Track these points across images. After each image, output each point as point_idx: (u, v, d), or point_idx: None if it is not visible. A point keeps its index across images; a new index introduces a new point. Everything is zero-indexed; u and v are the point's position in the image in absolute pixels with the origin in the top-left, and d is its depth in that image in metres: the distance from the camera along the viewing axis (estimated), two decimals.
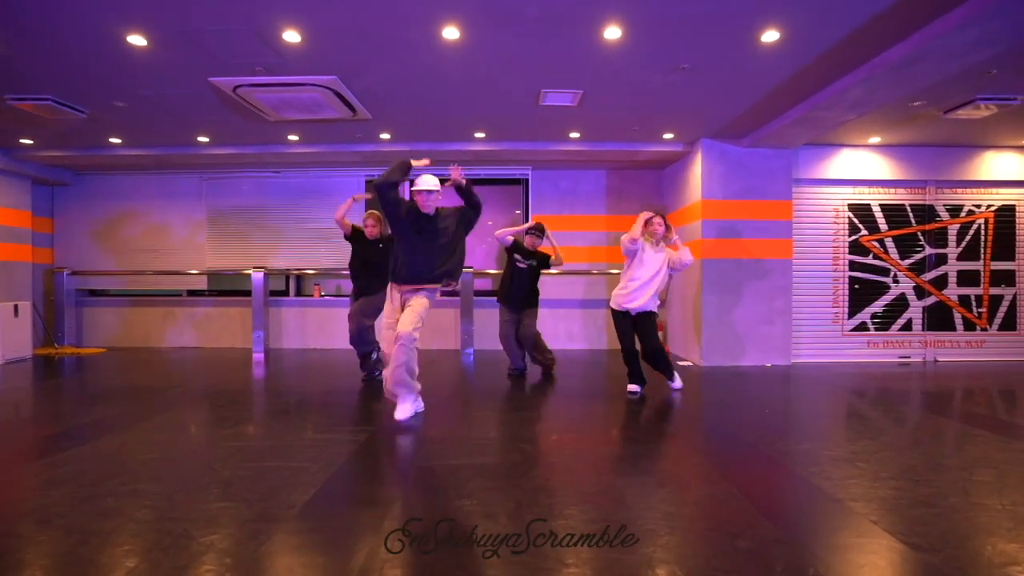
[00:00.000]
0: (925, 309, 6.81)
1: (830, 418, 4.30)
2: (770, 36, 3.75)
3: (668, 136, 6.31)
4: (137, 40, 3.75)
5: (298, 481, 2.68)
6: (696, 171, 6.52)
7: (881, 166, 6.70)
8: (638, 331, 4.74)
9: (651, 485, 2.72)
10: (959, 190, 6.82)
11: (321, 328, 7.83)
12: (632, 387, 4.76)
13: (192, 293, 8.11)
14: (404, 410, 3.78)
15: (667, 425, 3.95)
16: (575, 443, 3.44)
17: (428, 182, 3.80)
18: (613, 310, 4.79)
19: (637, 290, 4.64)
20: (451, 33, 3.71)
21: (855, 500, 2.47)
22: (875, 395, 5.00)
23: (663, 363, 4.78)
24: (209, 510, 2.33)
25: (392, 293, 3.96)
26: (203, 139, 6.43)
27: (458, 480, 2.70)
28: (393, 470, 3.06)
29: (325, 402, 4.56)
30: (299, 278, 8.31)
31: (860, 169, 6.69)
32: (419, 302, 3.82)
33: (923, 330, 6.81)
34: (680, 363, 6.52)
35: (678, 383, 4.82)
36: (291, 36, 3.74)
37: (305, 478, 2.72)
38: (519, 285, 5.43)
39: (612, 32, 3.69)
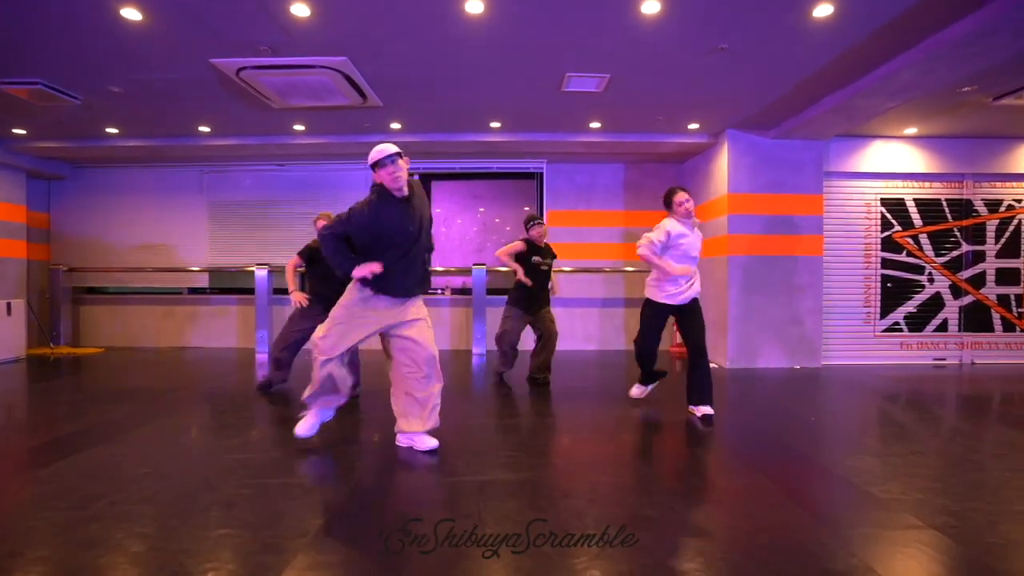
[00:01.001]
0: (961, 309, 6.48)
1: (874, 426, 3.99)
2: (823, 10, 3.42)
3: (693, 127, 5.99)
4: (131, 14, 3.44)
5: (309, 501, 2.37)
6: (722, 164, 6.20)
7: (916, 159, 6.37)
8: (684, 327, 3.96)
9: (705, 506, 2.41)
10: (998, 184, 6.48)
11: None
12: (644, 388, 4.33)
13: (193, 291, 7.81)
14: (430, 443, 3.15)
15: (697, 434, 3.63)
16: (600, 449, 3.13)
17: (389, 147, 2.88)
18: (654, 302, 3.95)
19: (690, 280, 3.89)
20: (475, 7, 3.39)
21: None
22: (913, 401, 4.68)
23: (707, 377, 3.90)
24: (208, 538, 2.02)
25: (363, 310, 3.00)
26: (204, 129, 6.13)
27: (492, 497, 2.40)
28: (417, 486, 2.74)
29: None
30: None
31: (894, 162, 6.36)
32: (426, 315, 3.14)
33: (959, 331, 6.48)
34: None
35: (708, 409, 3.88)
36: (300, 9, 3.43)
37: (316, 497, 2.41)
38: (540, 286, 5.06)
39: (650, 6, 3.37)
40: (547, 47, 4.01)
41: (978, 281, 6.48)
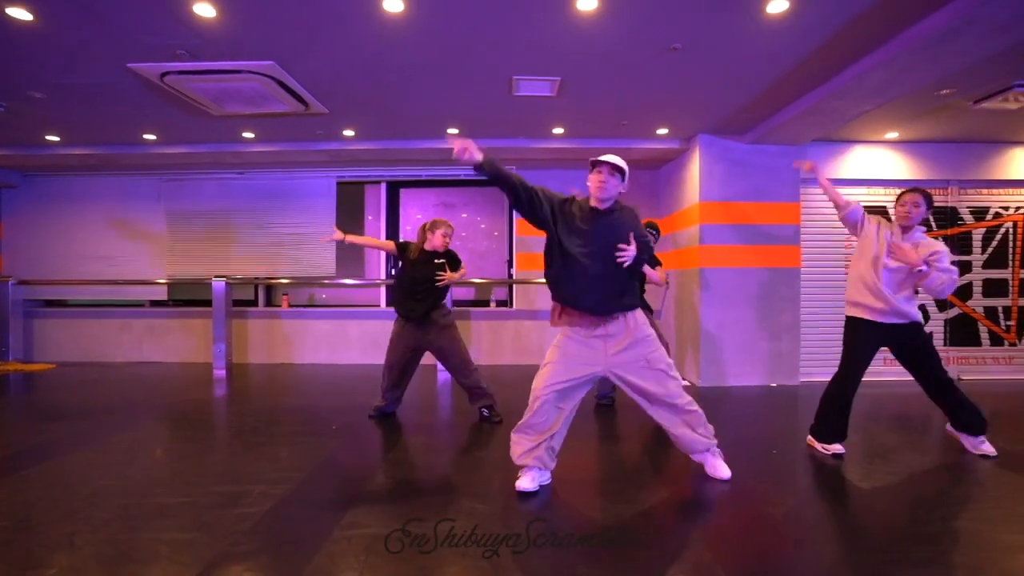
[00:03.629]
0: (947, 322, 6.16)
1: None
2: (777, 6, 3.13)
3: (662, 132, 5.69)
4: (19, 13, 3.15)
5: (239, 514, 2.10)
6: (694, 170, 5.90)
7: (898, 165, 6.06)
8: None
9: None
10: (985, 191, 6.17)
11: (289, 342, 7.23)
12: (837, 447, 3.49)
13: (155, 304, 7.52)
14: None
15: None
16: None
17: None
18: (859, 319, 3.43)
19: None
20: (394, 5, 3.10)
21: None
22: (897, 422, 4.37)
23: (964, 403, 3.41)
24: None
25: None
26: (149, 137, 5.84)
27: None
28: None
29: (256, 439, 3.94)
30: (269, 288, 7.71)
31: (875, 168, 6.05)
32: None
33: (945, 345, 6.16)
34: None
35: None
36: (204, 9, 3.13)
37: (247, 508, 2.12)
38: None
39: (586, 2, 3.07)
40: (485, 49, 3.72)
41: (964, 293, 6.16)
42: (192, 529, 2.32)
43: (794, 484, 3.01)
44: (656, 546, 2.10)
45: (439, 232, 4.15)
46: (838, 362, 3.59)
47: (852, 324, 3.50)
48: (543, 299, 7.06)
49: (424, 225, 4.24)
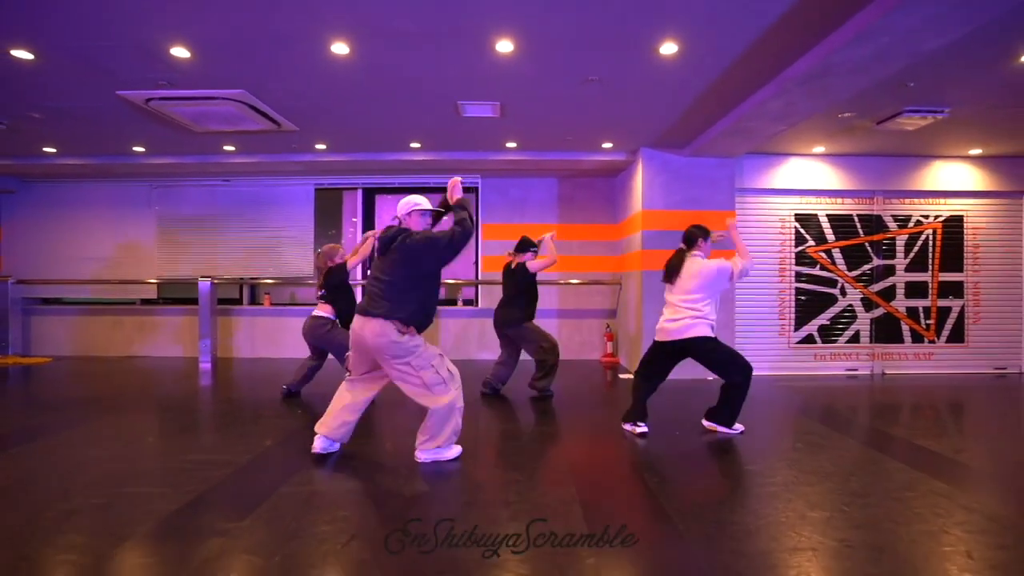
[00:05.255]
0: (873, 321, 6.72)
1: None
2: (668, 48, 3.67)
3: (607, 145, 6.23)
4: (23, 54, 3.68)
5: (151, 508, 2.61)
6: (637, 180, 6.44)
7: (828, 176, 6.61)
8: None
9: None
10: (907, 200, 6.73)
11: (270, 337, 7.76)
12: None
13: (145, 302, 8.05)
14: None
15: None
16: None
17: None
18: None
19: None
20: (340, 48, 3.63)
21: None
22: (820, 411, 4.92)
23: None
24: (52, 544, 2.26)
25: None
26: (139, 149, 6.37)
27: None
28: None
29: (240, 416, 4.48)
30: (253, 287, 8.25)
31: (806, 179, 6.60)
32: None
33: (871, 342, 6.72)
34: (623, 376, 6.45)
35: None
36: (179, 52, 3.67)
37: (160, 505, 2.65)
38: None
39: (504, 46, 3.61)
40: (429, 81, 4.26)
41: (888, 294, 6.72)
42: (163, 486, 2.86)
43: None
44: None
45: (337, 256, 4.88)
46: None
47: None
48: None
49: (322, 252, 4.96)
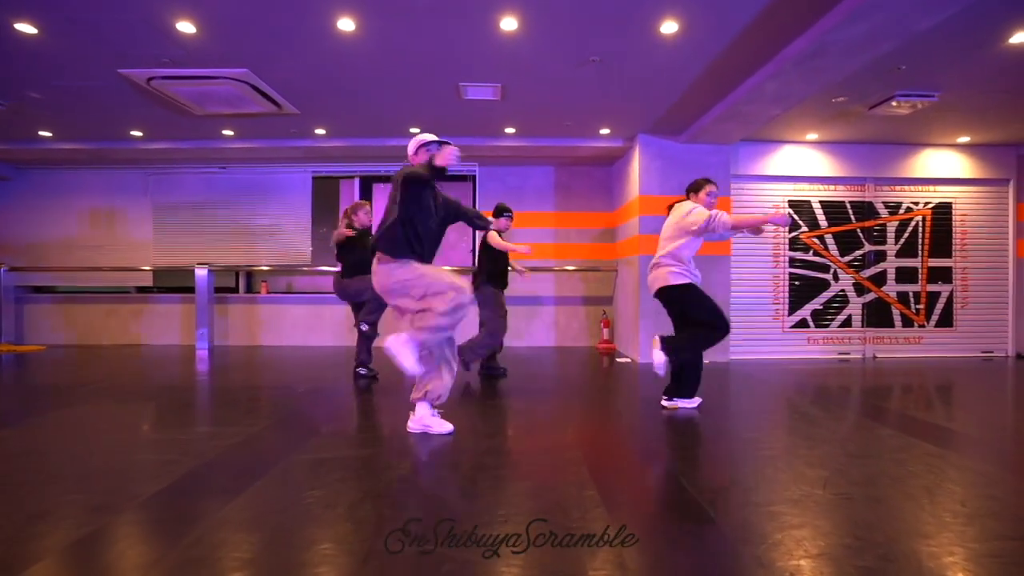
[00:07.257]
0: (865, 306, 6.85)
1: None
2: (669, 27, 3.74)
3: (605, 131, 6.30)
4: (26, 28, 3.68)
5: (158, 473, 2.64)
6: (635, 167, 6.52)
7: (821, 163, 6.73)
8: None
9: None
10: (897, 187, 6.86)
11: (267, 325, 7.77)
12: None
13: (141, 290, 8.02)
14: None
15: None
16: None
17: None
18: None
19: None
20: (346, 24, 3.67)
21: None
22: (810, 392, 5.01)
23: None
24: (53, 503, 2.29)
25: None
26: (136, 133, 6.35)
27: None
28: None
29: (234, 399, 4.50)
30: (249, 275, 8.24)
31: (800, 166, 6.72)
32: None
33: (862, 327, 6.85)
34: (620, 359, 6.52)
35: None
36: (186, 27, 3.69)
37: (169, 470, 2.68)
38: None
39: (508, 23, 3.67)
40: (432, 60, 4.30)
41: (880, 279, 6.85)
42: (176, 454, 2.89)
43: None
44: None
45: (362, 212, 5.02)
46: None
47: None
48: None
49: (347, 209, 5.05)
